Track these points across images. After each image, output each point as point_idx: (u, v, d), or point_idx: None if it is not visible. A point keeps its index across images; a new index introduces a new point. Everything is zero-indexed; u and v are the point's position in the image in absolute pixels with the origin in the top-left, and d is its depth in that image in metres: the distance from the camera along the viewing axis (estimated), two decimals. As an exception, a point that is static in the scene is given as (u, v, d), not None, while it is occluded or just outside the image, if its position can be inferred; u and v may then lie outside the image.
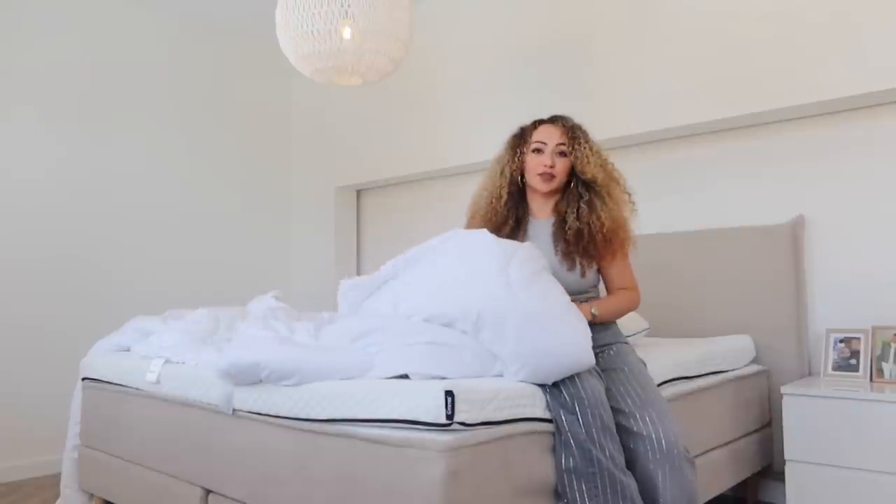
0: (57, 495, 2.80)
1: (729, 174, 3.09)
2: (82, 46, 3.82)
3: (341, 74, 2.74)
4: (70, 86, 3.76)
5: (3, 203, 3.50)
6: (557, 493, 1.60)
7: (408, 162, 4.13)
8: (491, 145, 2.32)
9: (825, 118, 2.86)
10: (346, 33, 2.59)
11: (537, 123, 2.17)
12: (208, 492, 1.96)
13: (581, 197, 2.06)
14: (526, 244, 1.87)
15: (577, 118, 2.17)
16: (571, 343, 1.63)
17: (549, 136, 2.10)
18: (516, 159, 2.15)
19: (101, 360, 2.50)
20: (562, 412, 1.62)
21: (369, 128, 4.38)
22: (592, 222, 2.02)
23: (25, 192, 3.57)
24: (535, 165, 2.10)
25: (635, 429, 1.73)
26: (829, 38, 2.69)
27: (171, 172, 4.17)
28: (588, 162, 2.06)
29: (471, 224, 2.21)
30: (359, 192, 4.75)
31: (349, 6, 2.56)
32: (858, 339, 2.59)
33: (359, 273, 4.70)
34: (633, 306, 2.09)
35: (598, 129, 2.22)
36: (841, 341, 2.63)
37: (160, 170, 4.12)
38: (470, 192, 2.29)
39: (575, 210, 2.05)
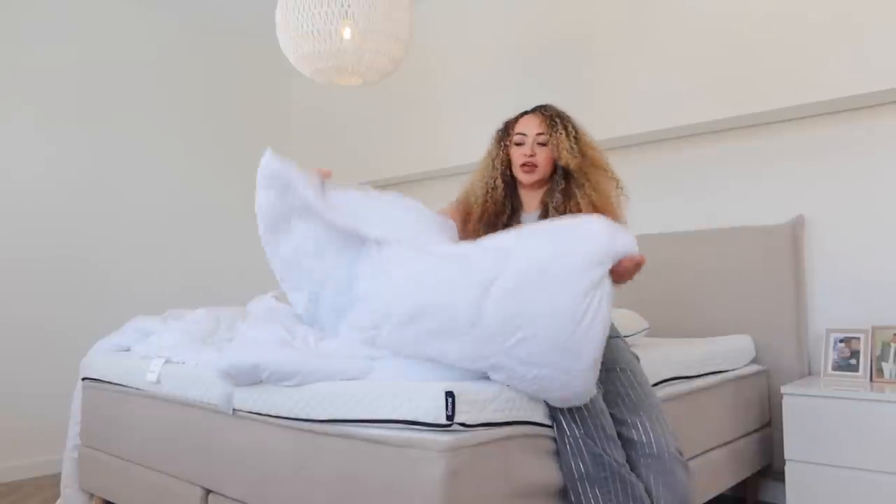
0: (57, 495, 2.80)
1: (729, 174, 3.09)
2: (81, 46, 3.82)
3: (341, 74, 2.75)
4: (69, 85, 3.76)
5: (3, 203, 3.51)
6: (567, 501, 1.60)
7: (408, 162, 4.13)
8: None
9: (825, 118, 2.86)
10: (346, 33, 2.59)
11: (520, 116, 2.17)
12: (208, 492, 1.96)
13: (559, 186, 2.05)
14: (519, 252, 1.62)
15: (577, 118, 2.15)
16: (562, 394, 1.54)
17: (529, 127, 2.10)
18: (501, 153, 2.15)
19: (101, 360, 2.51)
20: (563, 421, 1.61)
21: (369, 128, 4.38)
22: (570, 209, 1.98)
23: (25, 191, 3.57)
24: (517, 157, 2.10)
25: (626, 434, 1.73)
26: (830, 39, 2.68)
27: (170, 172, 4.17)
28: (562, 148, 2.04)
29: (460, 208, 2.19)
30: (359, 192, 4.75)
31: (349, 6, 2.56)
32: (858, 338, 2.59)
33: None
34: None
35: (598, 129, 2.22)
36: (841, 341, 2.63)
37: (159, 169, 4.12)
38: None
39: (556, 199, 2.03)
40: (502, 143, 2.15)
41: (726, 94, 2.92)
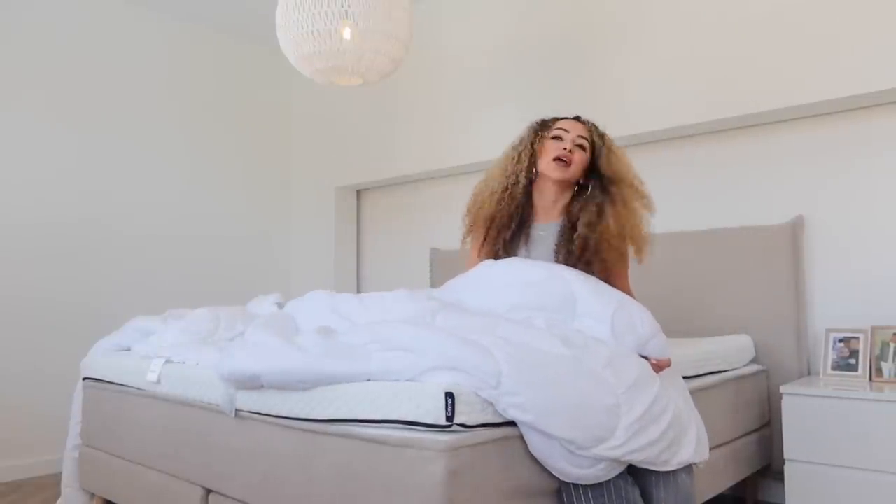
0: (57, 495, 2.80)
1: (729, 174, 3.10)
2: (82, 47, 3.82)
3: (341, 75, 2.75)
4: (69, 86, 3.76)
5: (4, 204, 3.51)
6: (561, 500, 1.59)
7: (408, 162, 4.14)
8: (491, 145, 2.31)
9: (825, 118, 2.86)
10: (347, 34, 2.59)
11: (558, 118, 2.12)
12: (209, 491, 1.96)
13: (596, 200, 1.99)
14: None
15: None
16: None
17: (572, 127, 2.05)
18: (534, 146, 2.05)
19: (101, 360, 2.51)
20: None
21: (369, 128, 4.38)
22: (602, 230, 1.94)
23: (25, 192, 3.57)
24: (552, 149, 2.01)
25: None
26: (830, 39, 2.69)
27: (171, 172, 4.17)
28: (614, 159, 2.00)
29: (473, 230, 2.12)
30: (359, 192, 4.76)
31: (349, 6, 2.56)
32: (858, 338, 2.59)
33: (358, 274, 4.71)
34: None
35: (598, 130, 2.21)
36: (840, 341, 2.63)
37: (161, 170, 4.13)
38: (470, 192, 2.21)
39: (588, 215, 1.97)
40: (536, 135, 2.07)
41: (726, 94, 2.93)
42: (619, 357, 1.62)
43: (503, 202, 2.04)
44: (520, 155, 2.07)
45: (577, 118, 2.11)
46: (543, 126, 2.10)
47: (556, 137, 2.03)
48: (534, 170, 2.06)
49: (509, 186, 2.04)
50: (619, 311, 1.72)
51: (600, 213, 1.97)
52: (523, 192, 2.05)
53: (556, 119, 2.12)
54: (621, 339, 1.69)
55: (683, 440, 1.67)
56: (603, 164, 2.00)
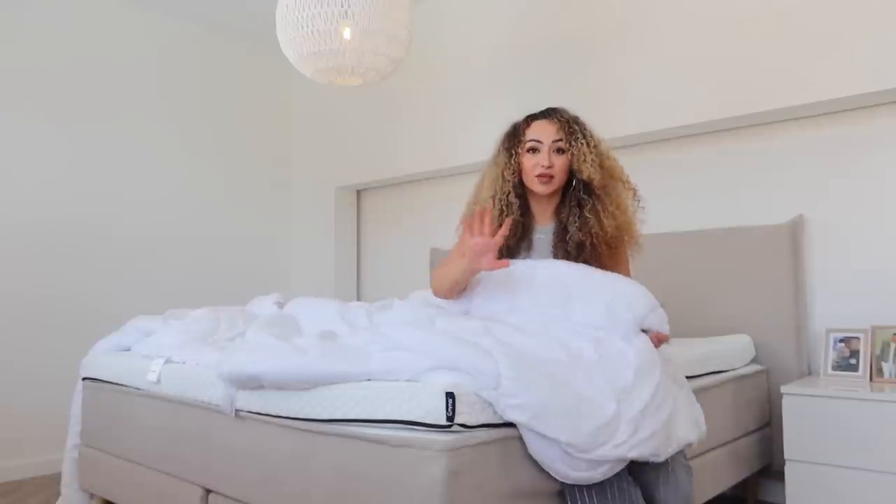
0: (57, 495, 2.80)
1: (729, 174, 3.10)
2: (82, 48, 3.82)
3: (341, 75, 2.75)
4: (69, 87, 3.76)
5: (3, 203, 3.51)
6: (564, 502, 1.59)
7: (408, 162, 4.14)
8: (491, 145, 2.29)
9: (825, 118, 2.86)
10: (347, 34, 2.59)
11: (530, 119, 2.04)
12: (208, 491, 1.96)
13: (581, 203, 1.94)
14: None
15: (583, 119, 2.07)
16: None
17: (545, 133, 1.96)
18: (513, 161, 1.99)
19: (101, 360, 2.51)
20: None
21: (369, 128, 4.38)
22: (595, 232, 1.91)
23: (25, 191, 3.57)
24: (531, 167, 1.95)
25: None
26: (829, 39, 2.69)
27: (172, 172, 4.17)
28: (584, 160, 1.92)
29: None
30: (359, 192, 4.76)
31: (349, 6, 2.57)
32: (858, 338, 2.59)
33: (358, 274, 4.71)
34: None
35: (599, 130, 2.18)
36: (840, 341, 2.63)
37: (161, 170, 4.13)
38: (470, 192, 2.18)
39: (577, 218, 1.94)
40: (512, 151, 2.00)
41: (726, 94, 2.93)
42: (618, 355, 1.61)
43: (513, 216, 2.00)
44: (503, 172, 2.00)
45: (547, 115, 2.02)
46: (516, 135, 2.02)
47: (532, 150, 1.97)
48: (520, 183, 2.02)
49: (503, 209, 2.00)
50: (613, 289, 1.71)
51: (587, 215, 1.93)
52: (518, 209, 2.01)
53: (528, 121, 2.03)
54: (618, 318, 1.68)
55: (678, 420, 1.67)
56: (583, 167, 1.93)
